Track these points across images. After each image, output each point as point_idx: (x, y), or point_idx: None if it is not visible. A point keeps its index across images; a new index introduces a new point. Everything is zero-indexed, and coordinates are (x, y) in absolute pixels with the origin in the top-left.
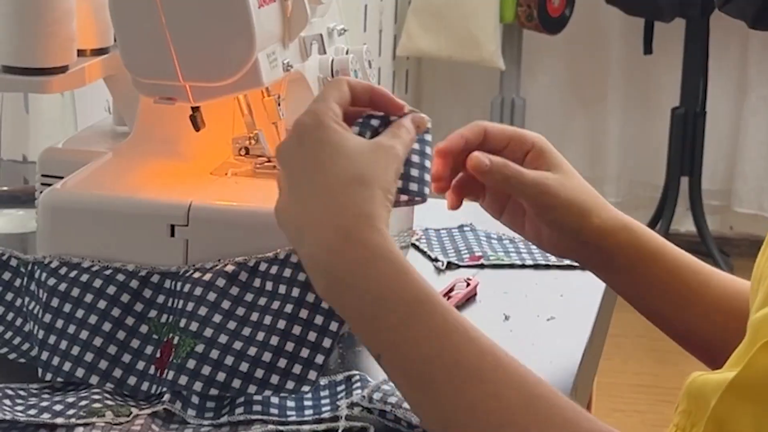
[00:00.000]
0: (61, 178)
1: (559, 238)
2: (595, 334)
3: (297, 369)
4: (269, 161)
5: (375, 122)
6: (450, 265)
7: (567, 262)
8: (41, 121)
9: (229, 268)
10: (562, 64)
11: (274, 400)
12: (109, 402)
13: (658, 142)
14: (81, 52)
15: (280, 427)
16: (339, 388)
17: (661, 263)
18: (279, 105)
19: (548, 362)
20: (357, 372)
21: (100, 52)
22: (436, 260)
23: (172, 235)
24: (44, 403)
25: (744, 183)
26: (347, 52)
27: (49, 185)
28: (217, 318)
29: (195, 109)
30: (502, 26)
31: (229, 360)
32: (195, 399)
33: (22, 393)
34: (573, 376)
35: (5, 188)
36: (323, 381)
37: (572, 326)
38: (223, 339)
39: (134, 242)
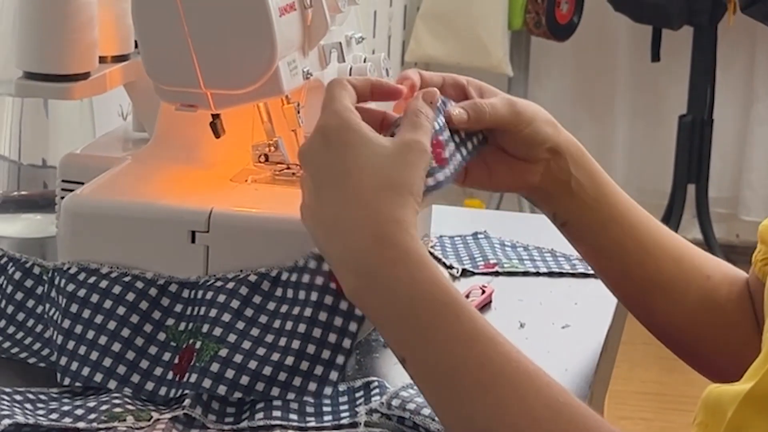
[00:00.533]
0: (82, 183)
1: (537, 157)
2: (610, 341)
3: (318, 370)
4: (288, 168)
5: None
6: (465, 272)
7: (581, 270)
8: (60, 125)
9: (252, 277)
10: (569, 70)
11: (294, 405)
12: (129, 406)
13: (664, 149)
14: (102, 59)
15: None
16: (358, 395)
17: (608, 194)
18: (298, 112)
19: (563, 370)
20: (375, 378)
21: (120, 58)
22: (450, 267)
23: (193, 241)
24: (65, 408)
25: (751, 191)
26: (365, 60)
27: (70, 191)
28: (240, 324)
29: (215, 116)
30: (510, 33)
31: (252, 364)
32: (215, 404)
33: (42, 397)
34: (589, 384)
35: (24, 193)
36: (342, 387)
37: (587, 334)
38: (246, 345)
39: (155, 248)
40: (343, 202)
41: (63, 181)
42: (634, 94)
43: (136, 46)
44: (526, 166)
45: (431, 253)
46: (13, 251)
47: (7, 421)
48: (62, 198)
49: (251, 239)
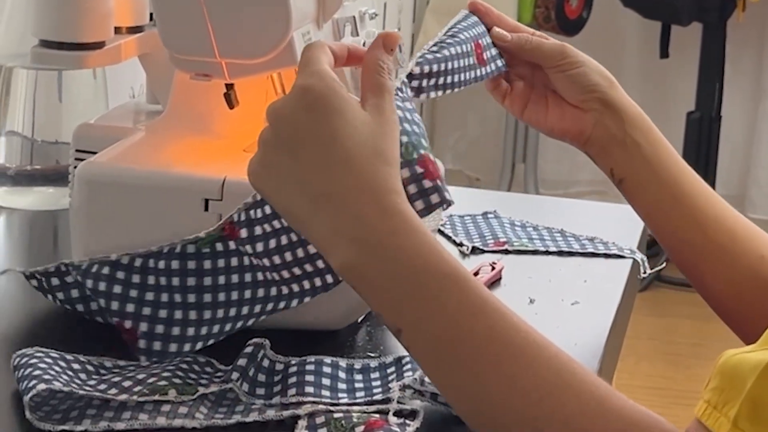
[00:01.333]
0: (95, 153)
1: (588, 104)
2: (619, 318)
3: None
4: None
5: None
6: (475, 250)
7: (590, 249)
8: (73, 104)
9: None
10: None
11: (326, 382)
12: (176, 380)
13: (672, 146)
14: (117, 30)
15: (331, 408)
16: (389, 370)
17: (664, 156)
18: None
19: (573, 344)
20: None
21: (135, 30)
22: (461, 245)
23: (206, 209)
24: (115, 378)
25: (758, 189)
26: None
27: (83, 160)
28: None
29: (229, 86)
30: None
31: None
32: (251, 371)
33: (89, 367)
34: (598, 359)
35: (37, 167)
36: (374, 363)
37: (596, 310)
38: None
39: (168, 216)
40: (331, 168)
41: (76, 150)
42: (643, 91)
43: (151, 19)
44: (578, 113)
45: (441, 231)
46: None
47: (42, 386)
48: (75, 168)
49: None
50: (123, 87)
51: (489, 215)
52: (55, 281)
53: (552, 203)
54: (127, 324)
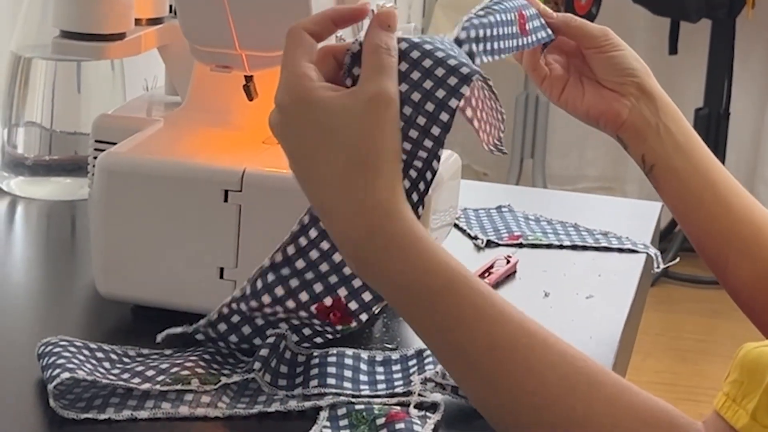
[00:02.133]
0: (114, 144)
1: (625, 88)
2: (633, 312)
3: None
4: None
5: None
6: (489, 243)
7: (604, 244)
8: (91, 95)
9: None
10: None
11: (348, 373)
12: (199, 370)
13: None
14: (137, 21)
15: (352, 399)
16: (411, 363)
17: (695, 146)
18: None
19: (588, 338)
20: None
21: (155, 21)
22: (475, 238)
23: (226, 200)
24: (139, 368)
25: (766, 185)
26: None
27: (102, 151)
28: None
29: (248, 78)
30: None
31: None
32: (273, 363)
33: (113, 357)
34: (614, 352)
35: (55, 157)
36: (395, 356)
37: (611, 304)
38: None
39: (187, 207)
40: (318, 185)
41: (96, 141)
42: None
43: (171, 10)
44: (615, 97)
45: (456, 225)
46: (42, 213)
47: (65, 375)
48: (94, 158)
49: (284, 199)
50: (139, 79)
51: (503, 209)
52: (222, 327)
53: (564, 198)
54: (328, 301)
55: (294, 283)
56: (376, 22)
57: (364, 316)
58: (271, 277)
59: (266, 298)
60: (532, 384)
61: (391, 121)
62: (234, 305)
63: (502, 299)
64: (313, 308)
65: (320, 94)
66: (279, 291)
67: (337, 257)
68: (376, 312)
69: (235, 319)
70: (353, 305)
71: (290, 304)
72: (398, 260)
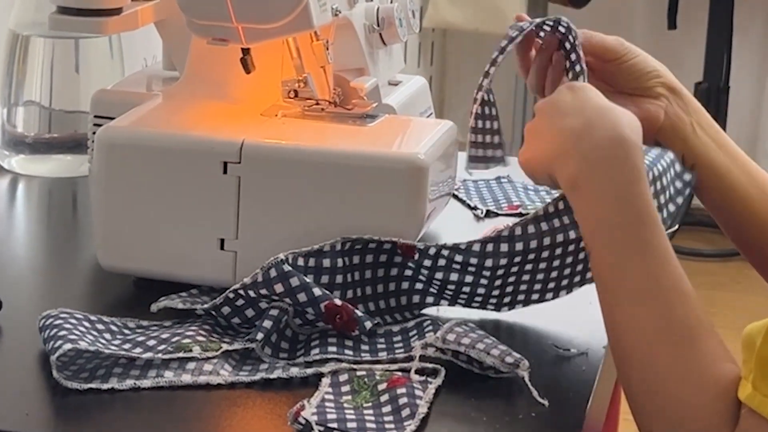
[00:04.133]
0: (113, 119)
1: (655, 92)
2: None
3: None
4: (317, 104)
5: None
6: (489, 214)
7: None
8: (90, 73)
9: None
10: None
11: (348, 342)
12: (200, 338)
13: None
14: None
15: (354, 366)
16: (411, 333)
17: (728, 141)
18: (327, 49)
19: (588, 303)
20: (428, 316)
21: None
22: (475, 208)
23: (225, 172)
24: (140, 338)
25: (767, 158)
26: (391, 1)
27: (101, 126)
28: None
29: (245, 51)
30: (527, 0)
31: None
32: (273, 337)
33: (113, 328)
34: None
35: (55, 135)
36: (395, 327)
37: None
38: None
39: (187, 179)
40: (586, 110)
41: (95, 116)
42: None
43: None
44: (648, 102)
45: (455, 195)
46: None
47: (68, 346)
48: (94, 133)
49: (282, 170)
50: (138, 58)
51: (502, 179)
52: (226, 309)
53: None
54: (338, 301)
55: (309, 277)
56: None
57: (368, 324)
58: (287, 267)
59: (279, 287)
60: (681, 306)
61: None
62: (242, 291)
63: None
64: (322, 305)
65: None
66: (294, 281)
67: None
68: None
69: (240, 302)
70: (360, 311)
71: (302, 297)
72: (623, 178)
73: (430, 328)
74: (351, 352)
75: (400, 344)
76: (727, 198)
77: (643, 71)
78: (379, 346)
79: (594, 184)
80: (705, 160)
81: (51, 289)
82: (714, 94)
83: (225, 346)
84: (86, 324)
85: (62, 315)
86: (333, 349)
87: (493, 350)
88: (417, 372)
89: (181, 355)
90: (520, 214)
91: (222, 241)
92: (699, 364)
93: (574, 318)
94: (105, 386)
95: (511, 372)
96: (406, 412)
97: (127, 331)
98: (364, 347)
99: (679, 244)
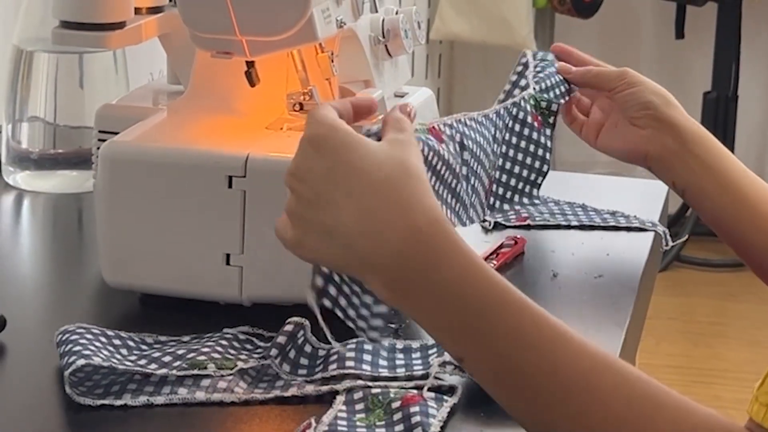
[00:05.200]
0: (117, 134)
1: (642, 122)
2: (642, 290)
3: None
4: None
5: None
6: (497, 225)
7: (612, 223)
8: (94, 88)
9: None
10: (594, 48)
11: (367, 357)
12: (215, 355)
13: None
14: (137, 10)
15: (369, 383)
16: (431, 351)
17: (722, 158)
18: (332, 62)
19: (598, 317)
20: None
21: (155, 10)
22: (483, 220)
23: (230, 186)
24: (155, 354)
25: None
26: (397, 13)
27: (106, 140)
28: None
29: (250, 65)
30: (534, 10)
31: None
32: (292, 354)
33: (131, 343)
34: (623, 331)
35: (60, 150)
36: (415, 344)
37: (620, 282)
38: None
39: (192, 194)
40: (358, 200)
41: (99, 131)
42: (659, 72)
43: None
44: (636, 131)
45: None
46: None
47: (81, 362)
48: (98, 148)
49: None
50: (143, 72)
51: None
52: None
53: (571, 179)
54: None
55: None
56: (398, 108)
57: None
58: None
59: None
60: (595, 408)
61: (417, 152)
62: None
63: (557, 319)
64: None
65: (352, 131)
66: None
67: None
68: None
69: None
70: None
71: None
72: (458, 272)
73: None
74: (369, 368)
75: (419, 361)
76: (722, 221)
77: (636, 102)
78: (398, 362)
79: (408, 301)
80: (694, 187)
81: (56, 305)
82: (722, 103)
83: (240, 364)
84: (102, 339)
85: (78, 330)
86: (351, 363)
87: None
88: (433, 390)
89: (195, 372)
90: (529, 226)
91: (228, 255)
92: None
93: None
94: (118, 402)
95: None
96: (418, 431)
97: (144, 347)
98: (383, 362)
99: (689, 254)
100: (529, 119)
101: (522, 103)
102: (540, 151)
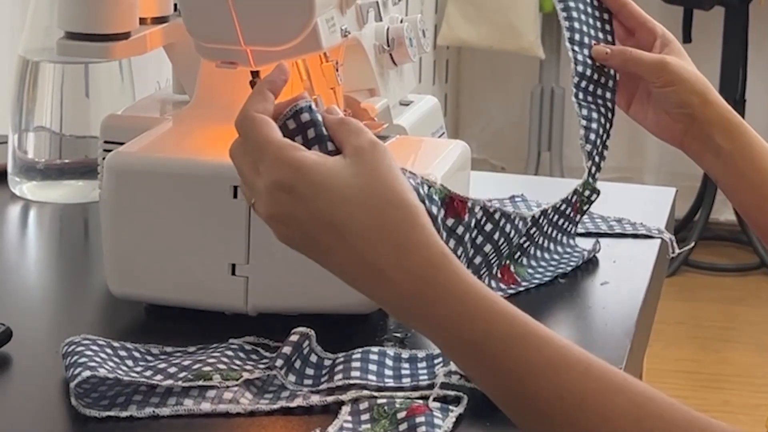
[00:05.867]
0: (123, 144)
1: (677, 117)
2: (649, 297)
3: None
4: None
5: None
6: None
7: (618, 230)
8: (100, 98)
9: None
10: None
11: (372, 367)
12: (221, 366)
13: None
14: (142, 21)
15: (375, 393)
16: (437, 360)
17: (758, 156)
18: (337, 71)
19: (604, 324)
20: None
21: (160, 20)
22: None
23: (235, 196)
24: (161, 365)
25: None
26: (401, 21)
27: (111, 151)
28: None
29: (255, 74)
30: (541, 15)
31: None
32: (297, 364)
33: (136, 354)
34: (630, 338)
35: (66, 160)
36: (421, 354)
37: (627, 289)
38: None
39: (197, 204)
40: (349, 247)
41: (105, 141)
42: None
43: (176, 9)
44: (670, 122)
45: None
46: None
47: (87, 373)
48: (104, 159)
49: None
50: (149, 82)
51: (516, 198)
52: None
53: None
54: None
55: None
56: (329, 110)
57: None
58: None
59: None
60: (605, 430)
61: (392, 162)
62: None
63: (563, 340)
64: None
65: (314, 160)
66: None
67: None
68: None
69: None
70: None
71: None
72: (447, 310)
73: None
74: (374, 378)
75: (425, 371)
76: (750, 217)
77: (672, 102)
78: (403, 371)
79: (413, 325)
80: (725, 181)
81: (62, 316)
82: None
83: (246, 375)
84: (108, 350)
85: (84, 341)
86: (357, 374)
87: None
88: (440, 400)
89: (201, 383)
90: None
91: (233, 266)
92: None
93: (583, 340)
94: (123, 414)
95: None
96: None
97: (149, 358)
98: (388, 372)
99: (697, 259)
100: (569, 211)
101: (572, 197)
102: (565, 239)
